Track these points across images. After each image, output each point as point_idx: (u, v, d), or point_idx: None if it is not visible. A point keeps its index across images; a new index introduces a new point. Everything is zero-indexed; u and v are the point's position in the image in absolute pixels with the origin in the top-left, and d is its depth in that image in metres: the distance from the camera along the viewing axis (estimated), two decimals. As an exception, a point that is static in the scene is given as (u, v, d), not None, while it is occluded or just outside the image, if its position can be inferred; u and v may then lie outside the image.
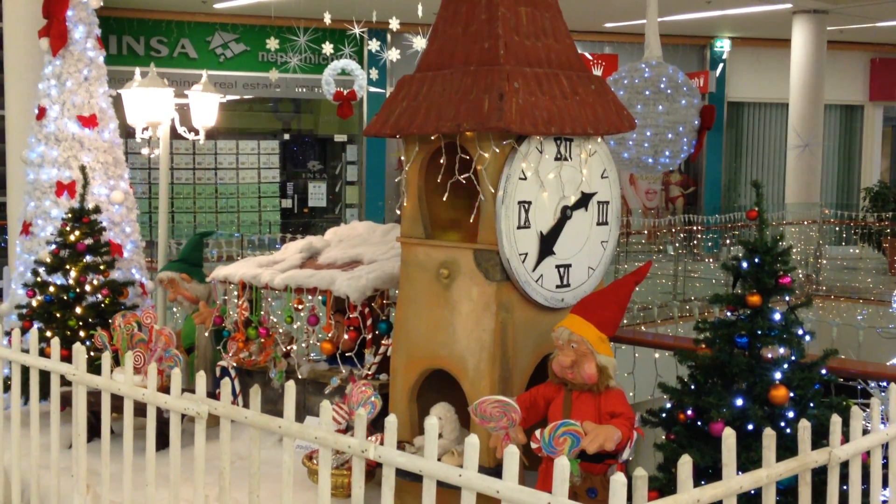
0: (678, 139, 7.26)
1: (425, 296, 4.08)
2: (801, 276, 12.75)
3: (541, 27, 4.08)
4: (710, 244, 13.66)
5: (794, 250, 13.58)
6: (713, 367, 3.48)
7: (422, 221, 4.16)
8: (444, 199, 4.01)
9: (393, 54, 8.09)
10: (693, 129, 7.34)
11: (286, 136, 17.30)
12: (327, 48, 7.90)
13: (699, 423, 3.50)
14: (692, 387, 3.56)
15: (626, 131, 4.20)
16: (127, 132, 6.44)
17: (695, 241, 13.51)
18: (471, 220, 3.96)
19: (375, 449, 2.81)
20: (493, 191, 3.82)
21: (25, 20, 6.81)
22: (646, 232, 12.98)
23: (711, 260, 12.82)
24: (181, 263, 5.69)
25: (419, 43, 7.57)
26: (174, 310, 6.24)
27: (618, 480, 2.29)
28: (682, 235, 12.98)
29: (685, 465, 2.42)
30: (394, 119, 4.09)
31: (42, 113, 6.19)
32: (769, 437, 2.68)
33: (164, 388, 4.17)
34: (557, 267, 4.02)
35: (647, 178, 16.69)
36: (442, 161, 3.98)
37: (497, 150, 3.82)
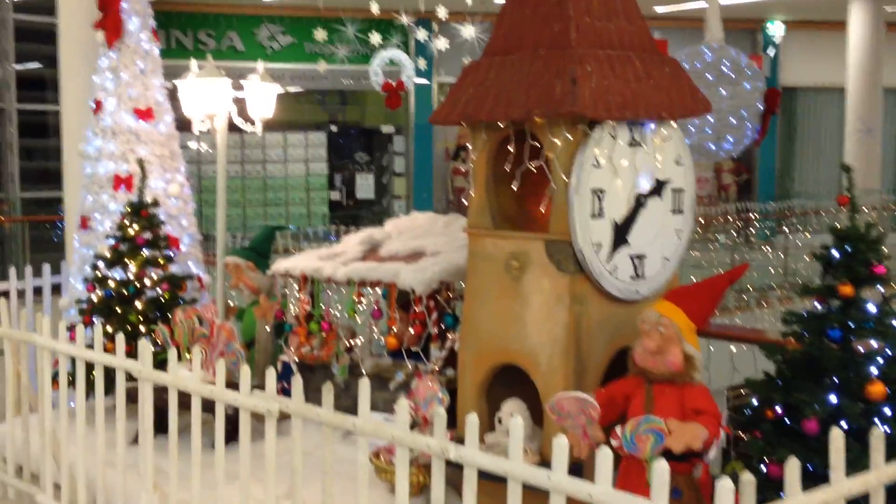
0: (742, 124, 7.04)
1: (494, 288, 3.96)
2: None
3: (612, 8, 3.92)
4: (767, 232, 13.33)
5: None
6: (803, 362, 3.32)
7: (490, 212, 4.03)
8: (514, 188, 3.87)
9: (441, 44, 7.98)
10: (757, 114, 7.12)
11: (333, 128, 17.25)
12: (375, 38, 7.78)
13: (787, 420, 3.34)
14: (779, 382, 3.40)
15: (700, 115, 4.03)
16: (178, 125, 6.40)
17: (752, 230, 13.20)
18: (541, 210, 3.83)
19: (456, 449, 2.70)
20: (565, 179, 3.69)
21: (80, 13, 6.78)
22: (702, 220, 12.71)
23: (769, 248, 12.52)
24: (249, 251, 5.64)
25: (467, 32, 7.45)
26: (231, 304, 6.18)
27: (725, 486, 2.15)
28: (738, 224, 12.69)
29: (793, 468, 2.27)
30: (461, 106, 3.97)
31: (99, 106, 6.17)
32: (877, 437, 2.53)
33: (228, 383, 4.12)
34: (632, 257, 3.88)
35: (699, 165, 16.35)
36: (511, 149, 3.85)
37: (569, 137, 3.68)
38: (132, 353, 4.41)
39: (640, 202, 3.87)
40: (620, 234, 3.82)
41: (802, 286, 3.43)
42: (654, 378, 3.45)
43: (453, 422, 4.18)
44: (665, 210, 3.99)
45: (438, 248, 4.72)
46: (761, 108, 7.11)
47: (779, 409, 3.33)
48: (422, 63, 8.63)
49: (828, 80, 17.75)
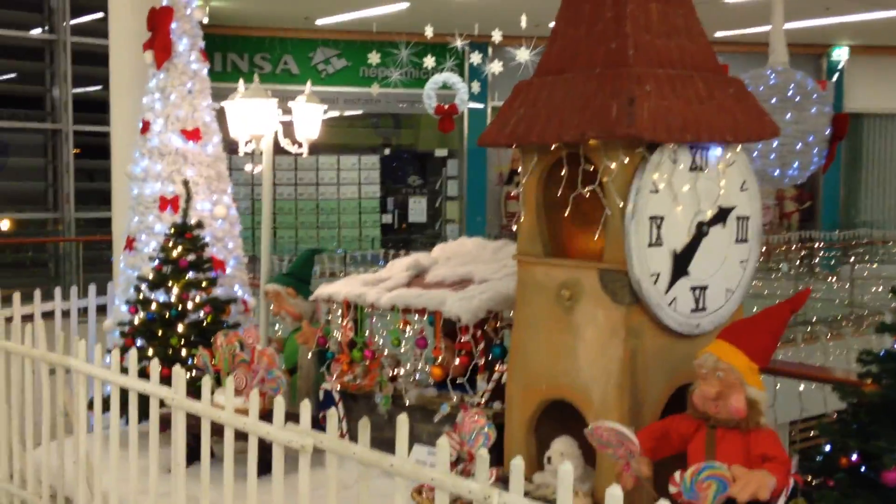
0: (808, 150, 6.73)
1: (544, 319, 3.75)
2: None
3: (673, 25, 3.70)
4: (832, 262, 12.87)
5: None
6: (882, 406, 3.04)
7: (540, 238, 3.83)
8: (566, 214, 3.66)
9: (495, 67, 7.85)
10: (824, 139, 6.80)
11: (387, 152, 17.19)
12: (429, 62, 7.66)
13: (863, 468, 3.06)
14: (855, 427, 3.12)
15: (768, 139, 3.80)
16: (230, 148, 6.30)
17: (816, 259, 12.76)
18: (595, 238, 3.61)
19: (500, 496, 2.49)
20: (621, 205, 3.47)
21: (131, 34, 6.75)
22: (764, 249, 12.31)
23: (834, 279, 12.07)
24: (289, 277, 5.50)
25: (522, 55, 7.31)
26: (276, 327, 6.03)
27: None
28: (802, 253, 12.24)
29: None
30: (510, 127, 3.78)
31: (146, 127, 6.10)
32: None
33: (267, 411, 3.95)
34: (692, 289, 3.64)
35: (761, 191, 15.91)
36: (563, 173, 3.65)
37: (626, 160, 3.46)
38: (171, 377, 4.29)
39: (701, 230, 3.63)
40: (680, 264, 3.59)
41: (881, 323, 3.16)
42: (715, 423, 3.20)
43: (500, 458, 3.97)
44: (729, 239, 3.75)
45: (486, 276, 4.52)
46: (828, 133, 6.79)
47: (854, 457, 3.04)
48: (476, 87, 8.48)
49: (894, 105, 17.24)
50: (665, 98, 3.47)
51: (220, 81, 6.56)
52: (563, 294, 3.66)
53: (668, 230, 3.54)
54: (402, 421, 2.78)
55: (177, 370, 3.77)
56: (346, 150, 16.60)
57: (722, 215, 3.70)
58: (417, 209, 16.97)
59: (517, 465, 2.46)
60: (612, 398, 3.50)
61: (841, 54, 17.47)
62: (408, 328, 4.63)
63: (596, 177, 3.58)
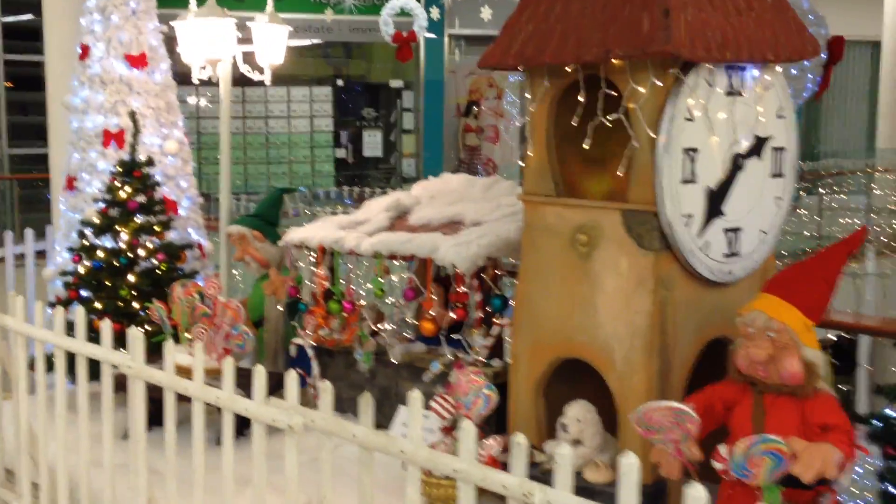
0: (802, 75, 6.28)
1: (556, 267, 3.29)
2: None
3: (704, -76, 3.19)
4: (802, 193, 12.59)
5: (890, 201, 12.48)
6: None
7: (552, 175, 3.35)
8: (586, 146, 3.17)
9: (455, -8, 7.30)
10: (819, 64, 6.37)
11: (339, 83, 16.43)
12: (386, -15, 7.04)
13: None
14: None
15: (810, 57, 3.34)
16: (175, 77, 5.66)
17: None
18: (618, 174, 3.14)
19: (542, 491, 2.04)
20: (651, 135, 3.00)
21: (64, -53, 6.06)
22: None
23: (804, 211, 11.79)
24: (256, 219, 4.94)
25: (483, -20, 6.80)
26: (237, 277, 5.50)
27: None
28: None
29: None
30: (517, 47, 3.26)
31: (85, 52, 5.44)
32: None
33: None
34: (726, 231, 3.20)
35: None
36: (580, 98, 3.16)
37: (658, 83, 2.98)
38: (122, 333, 3.78)
39: (737, 164, 3.19)
40: (715, 202, 3.15)
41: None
42: (763, 388, 2.79)
43: (502, 426, 3.55)
44: (764, 173, 3.31)
45: (479, 217, 4.05)
46: (824, 57, 6.38)
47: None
48: (434, 13, 7.89)
49: (859, 32, 16.91)
50: (702, 9, 2.98)
51: (160, 7, 5.87)
52: (578, 239, 3.21)
53: (702, 164, 3.08)
54: (416, 399, 2.31)
55: (133, 332, 3.24)
56: (297, 81, 15.81)
57: (758, 146, 3.25)
58: (372, 143, 16.29)
59: (565, 454, 2.02)
60: (639, 357, 3.07)
61: (804, -20, 17.06)
62: (390, 276, 4.15)
63: (617, 103, 3.10)
